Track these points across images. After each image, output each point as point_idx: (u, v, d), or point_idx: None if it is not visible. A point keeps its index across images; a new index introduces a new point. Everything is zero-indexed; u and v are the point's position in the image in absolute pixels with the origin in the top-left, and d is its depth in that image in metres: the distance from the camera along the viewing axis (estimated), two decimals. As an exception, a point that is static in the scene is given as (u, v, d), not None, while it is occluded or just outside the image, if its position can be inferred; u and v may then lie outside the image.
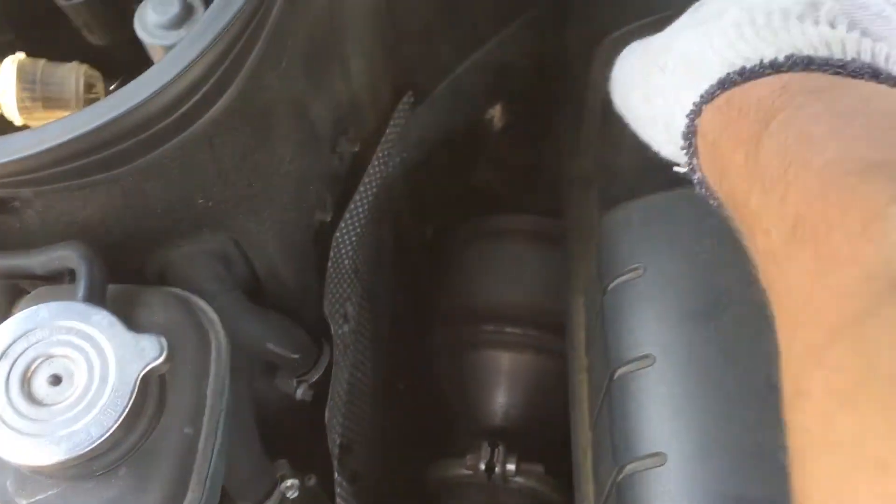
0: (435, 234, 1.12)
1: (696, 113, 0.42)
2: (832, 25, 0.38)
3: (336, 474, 0.74)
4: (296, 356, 0.68)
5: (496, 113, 1.28)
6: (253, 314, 0.63)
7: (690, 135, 0.43)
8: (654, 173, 0.61)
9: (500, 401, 0.92)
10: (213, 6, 0.50)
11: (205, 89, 0.50)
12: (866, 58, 0.37)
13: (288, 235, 0.64)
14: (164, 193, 0.52)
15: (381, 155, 0.79)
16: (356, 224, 0.77)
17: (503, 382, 0.92)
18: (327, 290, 0.72)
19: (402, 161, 0.91)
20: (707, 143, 0.42)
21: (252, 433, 0.65)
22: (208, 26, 0.49)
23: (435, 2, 0.78)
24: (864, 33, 0.38)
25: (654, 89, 0.48)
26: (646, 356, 0.50)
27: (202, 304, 0.54)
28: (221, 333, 0.53)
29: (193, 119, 0.50)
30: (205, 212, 0.55)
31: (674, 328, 0.50)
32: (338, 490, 0.73)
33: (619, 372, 0.51)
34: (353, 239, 0.78)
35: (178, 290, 0.54)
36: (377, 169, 0.79)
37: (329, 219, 0.72)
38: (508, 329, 0.91)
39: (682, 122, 0.43)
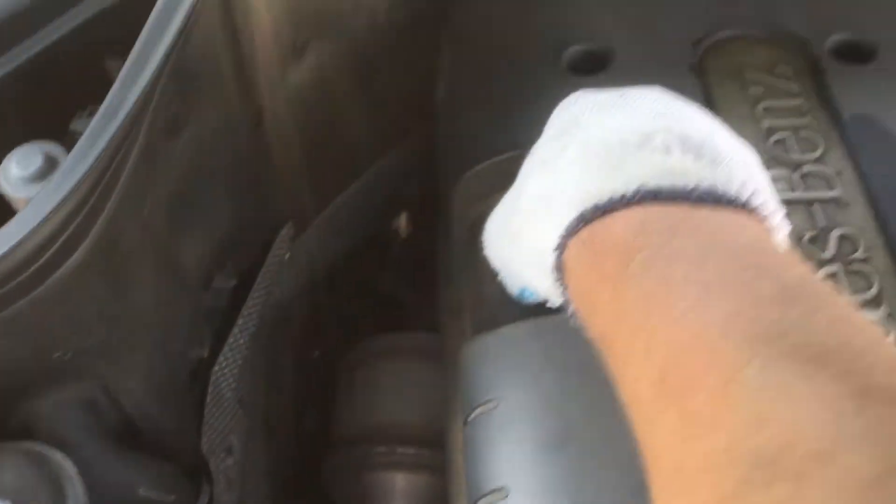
0: (332, 354, 1.13)
1: (561, 248, 0.43)
2: (668, 153, 0.40)
3: None
4: (171, 498, 0.67)
5: (402, 222, 1.31)
6: (122, 460, 0.62)
7: (559, 269, 0.44)
8: (516, 304, 0.63)
9: (397, 523, 0.91)
10: (65, 162, 0.52)
11: (58, 244, 0.50)
12: (706, 184, 0.39)
13: (158, 378, 0.64)
14: (16, 350, 0.51)
15: (261, 286, 0.80)
16: (237, 356, 0.77)
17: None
18: (206, 425, 0.71)
19: (291, 287, 0.92)
20: (574, 278, 0.43)
21: (124, 583, 0.63)
22: (61, 182, 0.50)
23: (308, 139, 0.80)
24: (698, 158, 0.40)
25: (516, 235, 0.49)
26: (500, 489, 0.51)
27: (59, 457, 0.54)
28: (79, 488, 0.53)
29: (47, 274, 0.51)
30: (63, 364, 0.55)
31: (525, 460, 0.51)
32: None
33: (479, 504, 0.52)
34: (235, 371, 0.78)
35: (32, 445, 0.53)
36: (258, 300, 0.80)
37: (206, 354, 0.72)
38: (401, 449, 0.91)
39: (550, 258, 0.44)
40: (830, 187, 0.60)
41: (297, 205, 0.84)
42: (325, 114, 0.80)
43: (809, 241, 0.57)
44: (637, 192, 0.39)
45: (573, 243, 0.42)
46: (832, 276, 0.56)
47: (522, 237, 0.48)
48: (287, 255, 0.88)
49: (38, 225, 0.49)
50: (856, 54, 0.69)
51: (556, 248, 0.43)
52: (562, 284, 0.44)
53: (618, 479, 0.49)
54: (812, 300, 0.33)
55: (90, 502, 0.54)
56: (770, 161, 0.62)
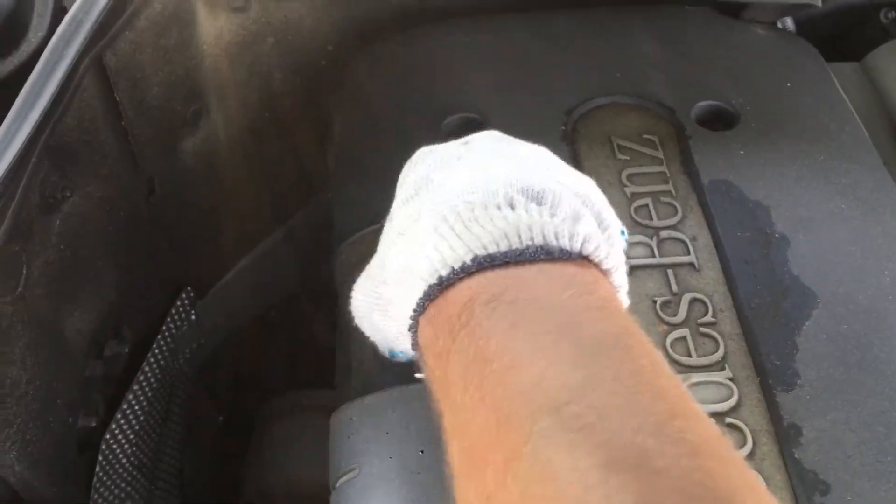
0: (250, 410, 1.13)
1: (414, 326, 0.44)
2: (512, 207, 0.41)
3: None
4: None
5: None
6: (2, 534, 0.62)
7: (414, 346, 0.45)
8: (389, 371, 0.65)
9: (305, 584, 0.91)
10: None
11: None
12: (538, 240, 0.40)
13: (38, 452, 0.64)
14: None
15: (158, 352, 0.81)
16: (132, 423, 0.78)
17: (307, 564, 0.92)
18: (95, 494, 0.72)
19: (200, 348, 0.93)
20: (422, 354, 0.43)
21: None
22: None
23: (203, 206, 0.82)
24: (540, 207, 0.41)
25: (386, 306, 0.49)
26: (358, 558, 0.52)
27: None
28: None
29: None
30: (-71, 442, 0.55)
31: (383, 528, 0.52)
32: None
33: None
34: (132, 437, 0.78)
35: None
36: (155, 365, 0.81)
37: (95, 423, 0.72)
38: (307, 509, 0.91)
39: (408, 337, 0.45)
40: (686, 252, 0.63)
41: (196, 270, 0.85)
42: (219, 181, 0.81)
43: (663, 306, 0.60)
44: (473, 261, 0.41)
45: (422, 321, 0.43)
46: (681, 339, 0.58)
47: (391, 310, 0.48)
48: (192, 318, 0.89)
49: None
50: (719, 121, 0.72)
51: (410, 328, 0.44)
52: (419, 358, 0.45)
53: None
54: (606, 360, 0.35)
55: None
56: (633, 227, 0.65)
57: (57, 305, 0.65)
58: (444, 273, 0.42)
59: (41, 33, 0.65)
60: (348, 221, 0.73)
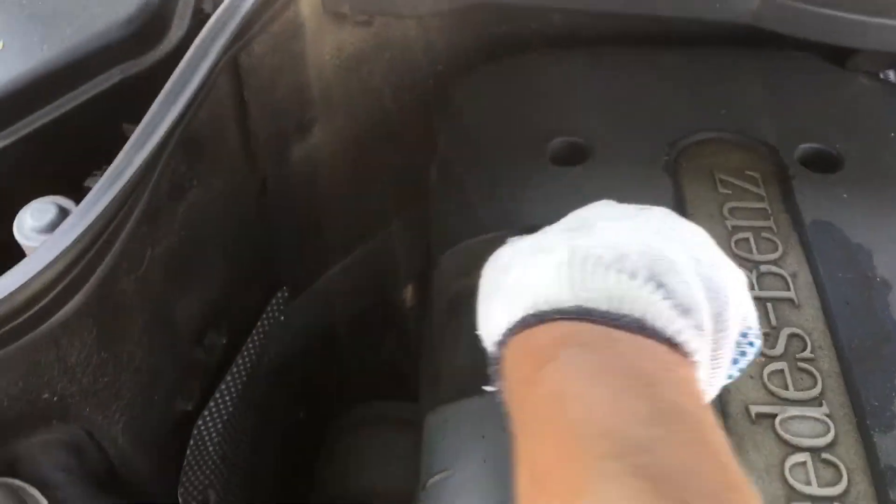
0: (324, 416, 1.15)
1: (502, 344, 0.46)
2: (632, 277, 0.43)
3: None
4: (143, 544, 0.70)
5: (408, 293, 1.35)
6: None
7: (495, 360, 0.47)
8: (484, 377, 0.66)
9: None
10: (70, 217, 0.55)
11: (55, 293, 0.54)
12: (637, 314, 0.42)
13: (140, 427, 0.67)
14: (7, 389, 0.55)
15: (251, 347, 0.84)
16: (222, 413, 0.80)
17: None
18: (183, 477, 0.74)
19: (285, 349, 0.96)
20: (505, 372, 0.46)
21: None
22: (62, 236, 0.54)
23: (307, 211, 0.85)
24: (655, 288, 0.43)
25: (492, 308, 0.50)
26: (448, 555, 0.53)
27: (37, 495, 0.57)
28: (52, 526, 0.56)
29: (41, 321, 0.54)
30: (50, 406, 0.58)
31: (475, 530, 0.53)
32: None
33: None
34: (220, 428, 0.81)
35: (12, 481, 0.56)
36: (248, 360, 0.84)
37: (191, 408, 0.75)
38: (378, 517, 0.93)
39: (493, 347, 0.47)
40: (785, 288, 0.63)
41: (293, 271, 0.88)
42: (324, 189, 0.84)
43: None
44: (575, 309, 0.43)
45: (512, 342, 0.45)
46: (779, 372, 0.58)
47: (494, 316, 0.49)
48: (281, 318, 0.91)
49: (37, 274, 0.52)
50: (823, 164, 0.73)
51: (498, 343, 0.46)
52: (496, 372, 0.47)
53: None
54: (677, 424, 0.38)
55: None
56: (732, 259, 0.65)
57: (171, 290, 0.69)
58: (545, 308, 0.44)
59: (180, 33, 0.69)
60: (447, 233, 0.75)
